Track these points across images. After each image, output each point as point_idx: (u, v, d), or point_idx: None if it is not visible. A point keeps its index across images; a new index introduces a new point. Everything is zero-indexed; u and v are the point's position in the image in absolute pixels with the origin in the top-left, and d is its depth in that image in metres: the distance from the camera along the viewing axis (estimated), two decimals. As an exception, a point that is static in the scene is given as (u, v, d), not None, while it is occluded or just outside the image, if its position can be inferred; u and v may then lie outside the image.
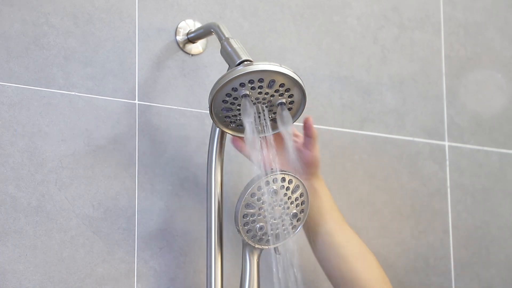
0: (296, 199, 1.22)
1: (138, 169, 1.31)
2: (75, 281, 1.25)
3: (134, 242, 1.29)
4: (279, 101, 1.20)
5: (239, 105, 1.20)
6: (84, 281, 1.25)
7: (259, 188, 1.20)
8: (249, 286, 1.24)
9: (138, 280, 1.29)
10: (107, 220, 1.28)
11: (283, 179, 1.21)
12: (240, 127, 1.24)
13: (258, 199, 1.20)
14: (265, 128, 1.22)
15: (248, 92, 1.17)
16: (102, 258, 1.27)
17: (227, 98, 1.19)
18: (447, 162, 1.55)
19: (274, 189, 1.20)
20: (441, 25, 1.59)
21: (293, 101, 1.21)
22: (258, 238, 1.22)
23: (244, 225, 1.21)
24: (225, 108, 1.20)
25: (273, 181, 1.20)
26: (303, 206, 1.23)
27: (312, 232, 1.28)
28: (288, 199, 1.22)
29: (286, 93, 1.20)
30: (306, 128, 1.27)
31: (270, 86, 1.18)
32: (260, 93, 1.19)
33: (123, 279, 1.28)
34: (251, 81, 1.17)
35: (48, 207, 1.25)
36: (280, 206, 1.21)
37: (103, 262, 1.27)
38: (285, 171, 1.21)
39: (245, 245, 1.24)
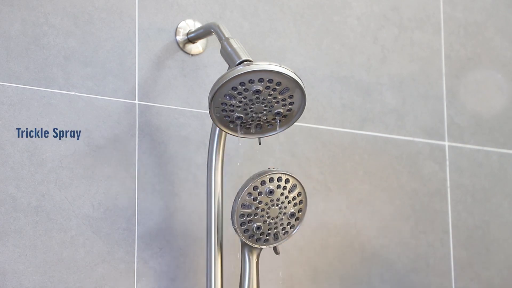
0: (294, 198, 1.22)
1: (138, 169, 1.31)
2: (75, 281, 1.25)
3: (134, 242, 1.29)
4: (277, 110, 1.19)
5: (239, 101, 1.19)
6: (84, 281, 1.25)
7: (256, 188, 1.20)
8: (248, 286, 1.23)
9: (138, 280, 1.29)
10: (107, 220, 1.28)
11: (280, 179, 1.21)
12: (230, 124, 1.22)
13: (255, 199, 1.20)
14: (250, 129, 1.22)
15: (260, 88, 1.16)
16: (102, 258, 1.27)
17: (232, 92, 1.17)
18: (447, 162, 1.55)
19: (270, 189, 1.20)
20: (441, 25, 1.58)
21: (293, 102, 1.20)
22: (256, 237, 1.22)
23: (241, 225, 1.21)
24: (229, 95, 1.18)
25: (269, 180, 1.20)
26: (301, 205, 1.23)
27: None
28: (285, 198, 1.22)
29: (288, 99, 1.19)
30: None
31: (280, 91, 1.17)
32: (269, 94, 1.18)
33: (123, 279, 1.28)
34: (251, 81, 1.16)
35: (48, 207, 1.25)
36: (277, 205, 1.21)
37: (103, 262, 1.27)
38: (281, 171, 1.21)
39: (243, 245, 1.23)
